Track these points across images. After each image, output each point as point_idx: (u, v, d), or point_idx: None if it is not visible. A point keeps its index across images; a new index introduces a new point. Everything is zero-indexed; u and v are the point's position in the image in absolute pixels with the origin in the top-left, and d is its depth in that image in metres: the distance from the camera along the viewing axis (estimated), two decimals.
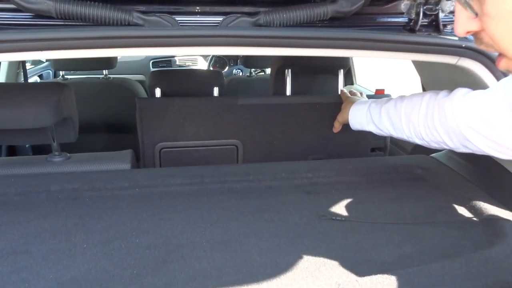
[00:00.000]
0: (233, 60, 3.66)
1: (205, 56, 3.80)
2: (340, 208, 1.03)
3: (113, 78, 2.29)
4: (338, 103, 1.43)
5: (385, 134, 1.16)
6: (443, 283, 0.74)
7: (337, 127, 1.38)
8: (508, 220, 0.94)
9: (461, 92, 0.89)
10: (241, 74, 3.40)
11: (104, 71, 2.30)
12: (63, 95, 1.20)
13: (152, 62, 3.64)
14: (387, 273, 0.75)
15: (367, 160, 1.29)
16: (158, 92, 1.72)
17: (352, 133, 1.38)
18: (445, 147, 0.95)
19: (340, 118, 1.34)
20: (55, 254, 0.83)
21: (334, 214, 1.00)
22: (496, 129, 0.79)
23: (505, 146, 0.79)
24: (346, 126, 1.35)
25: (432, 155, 1.34)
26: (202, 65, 3.80)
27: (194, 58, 3.84)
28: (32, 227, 0.94)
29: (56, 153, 1.26)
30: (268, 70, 3.37)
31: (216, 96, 1.68)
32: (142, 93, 2.28)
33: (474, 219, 0.98)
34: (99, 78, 2.30)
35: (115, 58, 2.18)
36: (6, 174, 1.17)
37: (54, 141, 1.24)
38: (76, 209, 1.02)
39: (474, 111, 0.83)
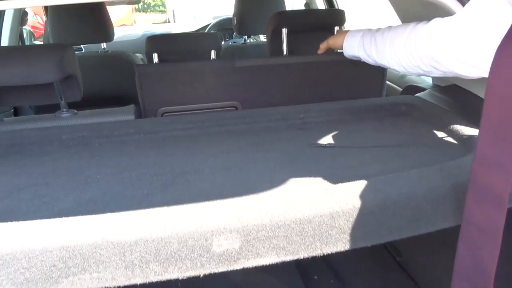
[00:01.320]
0: (228, 34, 3.71)
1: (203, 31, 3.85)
2: (329, 139, 1.12)
3: (111, 51, 2.36)
4: (335, 61, 1.50)
5: (371, 62, 1.22)
6: (420, 184, 0.83)
7: (322, 49, 1.44)
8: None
9: (436, 19, 0.96)
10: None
11: (102, 45, 2.36)
12: (66, 53, 1.28)
13: None
14: (370, 178, 0.84)
15: (355, 101, 1.37)
16: (155, 58, 1.77)
17: (349, 93, 1.45)
18: (420, 71, 1.02)
19: (330, 41, 1.39)
20: (71, 184, 0.92)
21: (324, 143, 1.09)
22: (462, 49, 0.87)
23: (470, 65, 0.87)
24: (345, 89, 1.41)
25: (416, 94, 1.42)
26: None
27: None
28: (49, 167, 1.03)
29: (64, 109, 1.34)
30: (262, 37, 3.43)
31: (214, 59, 1.70)
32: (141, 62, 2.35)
33: (452, 140, 1.07)
34: (97, 52, 2.37)
35: (112, 31, 2.24)
36: (19, 129, 1.26)
37: (62, 99, 1.33)
38: (87, 152, 1.11)
39: (441, 32, 0.91)
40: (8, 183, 0.96)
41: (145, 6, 14.11)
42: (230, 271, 1.16)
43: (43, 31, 3.64)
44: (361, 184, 0.82)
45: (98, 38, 2.23)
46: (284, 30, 1.72)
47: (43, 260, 0.70)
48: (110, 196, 0.87)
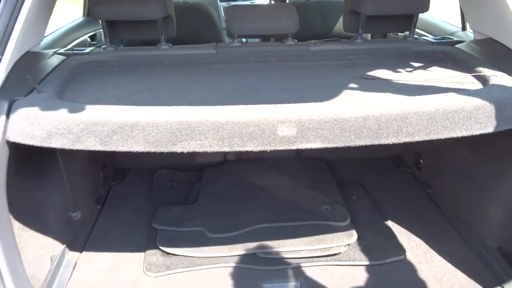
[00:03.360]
0: None
1: None
2: (372, 74, 1.40)
3: (191, 2, 2.71)
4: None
5: None
6: (432, 102, 1.11)
7: None
8: (498, 75, 1.27)
9: None
10: None
11: None
12: None
13: None
14: (397, 96, 1.13)
15: (399, 46, 1.61)
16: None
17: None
18: None
19: None
20: (176, 91, 1.30)
21: (367, 76, 1.38)
22: None
23: None
24: None
25: (455, 45, 1.64)
26: None
27: None
28: (157, 80, 1.41)
29: (163, 43, 1.71)
30: None
31: (290, 44, 1.76)
32: (215, 15, 2.67)
33: (473, 79, 1.32)
34: (180, 2, 2.72)
35: None
36: (131, 54, 1.64)
37: (162, 34, 1.69)
38: (183, 72, 1.48)
39: None
40: (132, 88, 1.34)
41: None
42: (282, 189, 1.60)
43: None
44: (388, 99, 1.12)
45: None
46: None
47: (166, 129, 1.07)
48: (204, 100, 1.22)
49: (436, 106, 1.11)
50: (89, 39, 2.59)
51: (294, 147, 1.10)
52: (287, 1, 3.74)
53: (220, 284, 1.41)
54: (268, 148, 1.10)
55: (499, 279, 1.35)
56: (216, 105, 1.13)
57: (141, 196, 1.91)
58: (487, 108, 1.14)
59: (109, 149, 1.09)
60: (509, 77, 1.29)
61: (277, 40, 1.84)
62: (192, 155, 2.14)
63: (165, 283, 1.42)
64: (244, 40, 1.70)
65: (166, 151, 1.08)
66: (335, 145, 1.10)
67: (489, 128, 1.16)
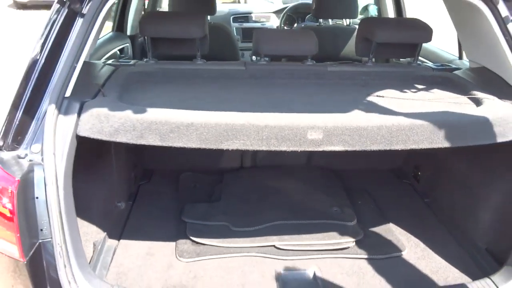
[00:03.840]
0: (300, 18, 4.20)
1: (277, 14, 4.37)
2: (382, 93, 1.64)
3: (213, 23, 2.97)
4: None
5: None
6: (434, 117, 1.35)
7: None
8: (490, 98, 1.51)
9: None
10: None
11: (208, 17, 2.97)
12: (205, 20, 1.87)
13: (232, 18, 4.28)
14: (405, 112, 1.36)
15: (405, 70, 1.86)
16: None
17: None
18: None
19: None
20: (215, 101, 1.52)
21: (379, 94, 1.62)
22: None
23: None
24: None
25: (453, 72, 1.89)
26: (275, 21, 4.39)
27: (268, 15, 4.44)
28: (197, 91, 1.64)
29: (199, 58, 1.94)
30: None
31: (310, 64, 1.96)
32: (234, 34, 2.92)
33: (467, 100, 1.56)
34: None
35: (215, 6, 2.82)
36: (172, 68, 1.87)
37: (198, 51, 1.92)
38: (218, 85, 1.72)
39: None
40: (178, 95, 1.57)
41: None
42: (296, 192, 1.87)
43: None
44: (397, 113, 1.35)
45: (205, 11, 2.82)
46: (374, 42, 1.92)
47: (216, 129, 1.29)
48: (242, 107, 1.44)
49: (438, 120, 1.35)
50: (118, 52, 2.82)
51: (320, 149, 1.32)
52: (295, 25, 4.03)
53: (244, 271, 1.61)
54: (299, 148, 1.32)
55: (487, 273, 1.57)
56: (254, 112, 1.36)
57: (168, 195, 2.12)
58: (479, 124, 1.38)
59: (167, 145, 1.30)
60: (499, 100, 1.53)
61: (297, 61, 2.09)
62: (213, 160, 2.36)
63: (196, 267, 1.62)
64: (267, 59, 1.93)
65: (214, 148, 1.30)
66: (354, 149, 1.33)
67: (481, 141, 1.39)
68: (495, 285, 1.44)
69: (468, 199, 1.80)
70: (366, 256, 1.70)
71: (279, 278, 1.58)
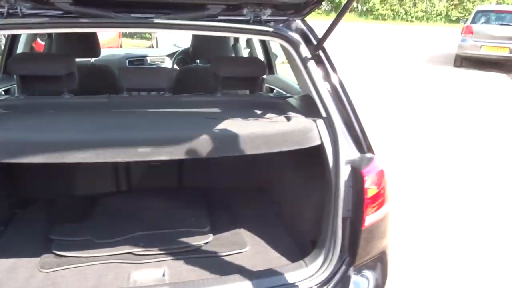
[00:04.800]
0: (193, 59, 4.59)
1: (171, 56, 4.74)
2: (218, 115, 1.99)
3: (97, 64, 3.24)
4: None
5: None
6: (250, 129, 1.71)
7: None
8: (298, 116, 1.92)
9: None
10: None
11: (91, 59, 3.23)
12: (72, 59, 2.14)
13: (128, 61, 4.57)
14: (235, 129, 1.71)
15: (247, 99, 2.25)
16: None
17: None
18: None
19: None
20: (65, 124, 1.77)
21: (213, 116, 1.96)
22: None
23: None
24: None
25: (286, 99, 2.31)
26: (169, 64, 4.75)
27: (162, 58, 4.80)
28: (68, 118, 1.87)
29: (66, 93, 2.18)
30: None
31: (166, 96, 2.37)
32: (118, 75, 3.21)
33: (284, 119, 1.95)
34: (88, 64, 3.23)
35: (99, 50, 3.10)
36: (38, 102, 2.09)
37: (65, 87, 2.17)
38: (77, 114, 1.96)
39: None
40: (36, 122, 1.80)
41: (132, 33, 15.04)
42: (157, 206, 2.21)
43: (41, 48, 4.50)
44: (229, 128, 1.71)
45: (89, 54, 3.10)
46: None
47: (57, 145, 1.54)
48: (86, 130, 1.70)
49: (269, 131, 1.76)
50: (3, 92, 2.97)
51: (148, 158, 1.62)
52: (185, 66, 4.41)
53: (99, 275, 1.82)
54: (131, 159, 1.61)
55: None
56: (99, 133, 1.64)
57: (41, 220, 2.28)
58: (295, 132, 1.80)
59: (16, 161, 1.53)
60: (304, 118, 1.94)
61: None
62: (89, 186, 2.57)
63: (55, 276, 1.80)
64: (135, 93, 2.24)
65: (58, 162, 1.55)
66: (178, 158, 1.64)
67: (297, 145, 1.79)
68: (305, 263, 1.79)
69: (298, 201, 2.19)
70: (212, 255, 1.99)
71: (130, 278, 1.81)
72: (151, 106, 2.11)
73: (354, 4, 26.40)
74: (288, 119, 1.96)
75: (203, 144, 1.67)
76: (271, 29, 1.92)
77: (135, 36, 15.57)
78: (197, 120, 1.89)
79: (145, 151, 1.61)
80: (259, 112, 2.11)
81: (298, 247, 2.07)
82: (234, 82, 2.40)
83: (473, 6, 23.84)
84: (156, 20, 1.78)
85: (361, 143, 1.87)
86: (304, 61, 1.97)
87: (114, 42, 10.86)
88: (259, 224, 2.29)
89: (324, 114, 1.87)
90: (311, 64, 1.96)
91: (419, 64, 12.38)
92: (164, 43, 9.54)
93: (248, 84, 2.46)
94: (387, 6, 28.95)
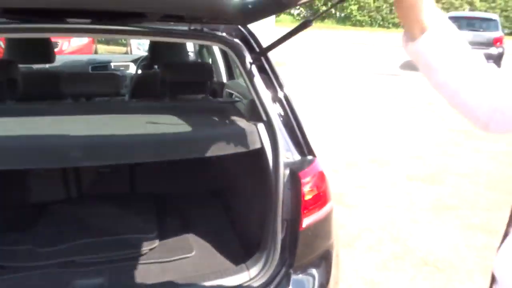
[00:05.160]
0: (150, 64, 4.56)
1: (135, 62, 4.71)
2: (174, 119, 1.97)
3: (50, 69, 3.19)
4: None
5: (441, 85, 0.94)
6: (208, 131, 1.71)
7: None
8: (239, 120, 1.93)
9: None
10: None
11: (46, 65, 3.19)
12: (13, 64, 2.11)
13: (91, 67, 4.53)
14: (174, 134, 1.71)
15: (197, 104, 2.26)
16: None
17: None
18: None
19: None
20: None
21: (157, 121, 1.95)
22: None
23: None
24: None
25: (234, 103, 2.32)
26: (133, 69, 4.71)
27: (127, 64, 4.77)
28: None
29: (8, 100, 2.14)
30: None
31: (113, 101, 2.48)
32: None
33: (226, 121, 1.95)
34: (33, 70, 3.19)
35: (52, 56, 3.05)
36: None
37: (6, 93, 2.13)
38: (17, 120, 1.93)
39: None
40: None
41: (107, 39, 14.91)
42: (107, 213, 2.20)
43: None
44: (168, 132, 1.70)
45: (42, 60, 3.05)
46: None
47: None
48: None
49: (210, 135, 1.78)
50: None
51: (82, 164, 1.61)
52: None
53: (39, 285, 1.79)
54: (63, 165, 1.59)
55: None
56: (28, 139, 1.62)
57: None
58: (236, 136, 1.80)
59: None
60: (246, 122, 1.95)
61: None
62: (37, 194, 2.53)
63: None
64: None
65: None
66: (111, 162, 1.63)
67: (238, 149, 1.80)
68: (247, 267, 1.80)
69: (247, 205, 2.19)
70: (158, 260, 1.97)
71: (70, 286, 1.79)
72: (92, 112, 2.09)
73: (332, 10, 26.77)
74: (231, 122, 1.96)
75: (138, 149, 1.66)
76: (210, 34, 1.93)
77: (111, 43, 15.48)
78: (136, 125, 1.88)
79: (76, 156, 1.59)
80: (203, 116, 2.11)
81: (245, 251, 2.08)
82: (182, 87, 2.40)
83: (447, 12, 24.45)
84: (86, 26, 1.76)
85: (302, 146, 1.89)
86: (245, 66, 1.98)
87: (87, 48, 10.76)
88: (209, 229, 2.29)
89: (264, 118, 1.89)
90: (253, 70, 1.97)
91: (391, 70, 12.60)
92: (138, 50, 9.50)
93: (196, 89, 2.46)
94: (365, 13, 29.45)
